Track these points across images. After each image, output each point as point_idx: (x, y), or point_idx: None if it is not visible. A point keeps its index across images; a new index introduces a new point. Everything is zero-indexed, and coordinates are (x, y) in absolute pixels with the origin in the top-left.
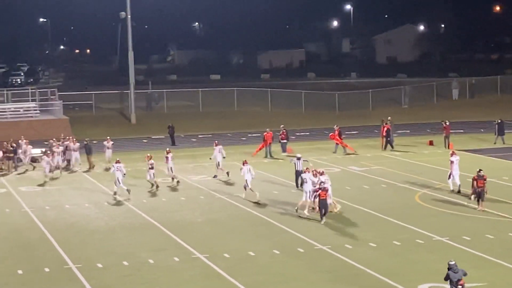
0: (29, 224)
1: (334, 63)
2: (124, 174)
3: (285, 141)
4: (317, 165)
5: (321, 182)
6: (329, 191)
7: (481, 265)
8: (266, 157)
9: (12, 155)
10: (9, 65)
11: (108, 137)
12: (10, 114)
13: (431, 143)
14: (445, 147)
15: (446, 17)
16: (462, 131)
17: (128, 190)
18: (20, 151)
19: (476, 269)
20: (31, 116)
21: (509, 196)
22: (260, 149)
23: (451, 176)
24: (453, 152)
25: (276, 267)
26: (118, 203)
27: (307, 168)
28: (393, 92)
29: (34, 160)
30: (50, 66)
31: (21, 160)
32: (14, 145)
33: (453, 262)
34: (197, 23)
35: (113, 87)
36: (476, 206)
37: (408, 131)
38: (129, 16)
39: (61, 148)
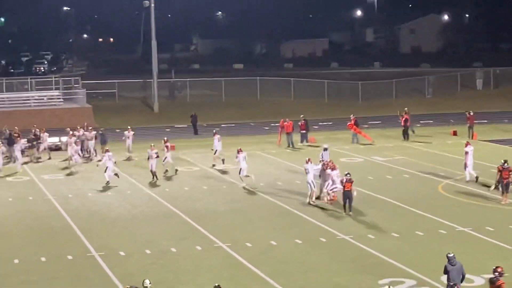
0: (52, 212)
1: (358, 53)
2: (115, 162)
3: (304, 131)
4: (340, 155)
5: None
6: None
7: (504, 256)
8: (288, 146)
9: (35, 143)
10: (33, 53)
11: (129, 127)
12: (34, 102)
13: (454, 133)
14: (469, 137)
15: (471, 7)
16: (486, 121)
17: (116, 174)
18: (24, 141)
19: (499, 260)
20: (55, 105)
21: None
22: (280, 137)
23: (466, 166)
24: (467, 142)
25: (298, 257)
26: (141, 191)
27: (309, 159)
28: (417, 82)
29: (56, 148)
30: (74, 55)
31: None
32: (38, 133)
33: (451, 255)
34: (220, 12)
35: (136, 76)
36: (499, 197)
37: (432, 121)
38: (152, 5)
39: (73, 138)
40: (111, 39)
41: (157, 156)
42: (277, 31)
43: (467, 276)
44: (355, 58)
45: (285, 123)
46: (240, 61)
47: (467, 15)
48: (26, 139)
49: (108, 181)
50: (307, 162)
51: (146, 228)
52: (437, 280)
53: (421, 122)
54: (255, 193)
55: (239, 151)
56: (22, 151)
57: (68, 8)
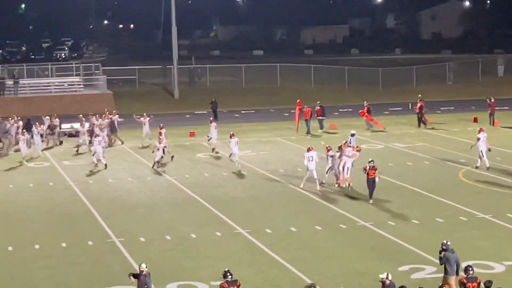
0: (72, 197)
1: (378, 39)
2: (103, 147)
3: (321, 117)
4: (360, 142)
5: (331, 156)
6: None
7: None
8: (307, 133)
9: (55, 129)
10: (54, 39)
11: (145, 113)
12: (55, 89)
13: (475, 120)
14: (490, 124)
15: None
16: (507, 108)
17: (99, 161)
18: (42, 126)
19: None
20: (75, 91)
21: None
22: (298, 124)
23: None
24: (480, 129)
25: (318, 243)
26: (161, 178)
27: (310, 147)
28: (438, 68)
29: (72, 135)
30: (94, 41)
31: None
32: (58, 119)
33: (449, 243)
34: None
35: (156, 62)
36: None
37: (453, 108)
38: None
39: (87, 125)
40: (131, 25)
41: (164, 149)
42: (298, 18)
43: (487, 263)
44: (376, 44)
45: (304, 109)
46: (260, 48)
47: (488, 1)
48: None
49: (96, 164)
50: (308, 151)
51: (166, 214)
52: None
53: (441, 108)
54: (275, 180)
55: (231, 136)
56: (41, 136)
57: None
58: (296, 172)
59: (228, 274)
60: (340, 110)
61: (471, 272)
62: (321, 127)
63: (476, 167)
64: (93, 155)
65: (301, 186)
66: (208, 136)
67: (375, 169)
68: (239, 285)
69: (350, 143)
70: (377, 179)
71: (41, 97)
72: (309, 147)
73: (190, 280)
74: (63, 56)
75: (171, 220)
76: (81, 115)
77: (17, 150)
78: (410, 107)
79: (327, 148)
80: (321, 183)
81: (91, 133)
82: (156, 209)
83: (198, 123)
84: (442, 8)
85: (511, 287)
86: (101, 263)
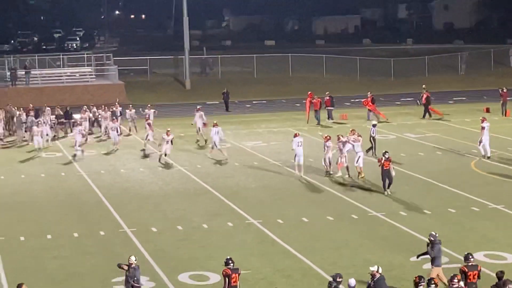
0: (84, 187)
1: (390, 29)
2: (83, 136)
3: (330, 107)
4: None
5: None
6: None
7: None
8: (318, 124)
9: (63, 120)
10: (65, 30)
11: (149, 105)
12: (66, 79)
13: (487, 110)
14: (502, 114)
15: None
16: None
17: (82, 151)
18: (42, 119)
19: None
20: (87, 81)
21: None
22: (308, 115)
23: (481, 142)
24: (484, 118)
25: (330, 234)
26: (172, 168)
27: (296, 133)
28: (450, 58)
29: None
30: (106, 31)
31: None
32: (68, 109)
33: (437, 235)
34: None
35: (168, 53)
36: None
37: (465, 98)
38: None
39: (87, 114)
40: (143, 16)
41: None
42: (309, 8)
43: (499, 253)
44: (388, 34)
45: (313, 100)
46: (271, 38)
47: None
48: (54, 116)
49: (75, 155)
50: (295, 136)
51: (178, 204)
52: None
53: (454, 99)
54: (286, 170)
55: (214, 125)
56: (51, 127)
57: None
58: (307, 163)
59: (230, 262)
60: (352, 100)
61: (471, 260)
62: (331, 117)
63: (488, 157)
64: (75, 145)
65: (297, 173)
66: (192, 124)
67: (390, 161)
68: (240, 273)
69: (373, 133)
70: (393, 173)
71: (53, 87)
72: (296, 133)
73: (201, 270)
74: (75, 47)
75: (182, 210)
76: (85, 106)
77: (25, 141)
78: (418, 104)
79: (326, 137)
80: (327, 172)
81: (92, 123)
82: (168, 200)
83: (210, 114)
84: None
85: None
86: (113, 253)
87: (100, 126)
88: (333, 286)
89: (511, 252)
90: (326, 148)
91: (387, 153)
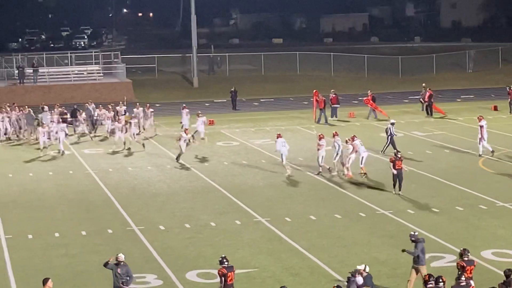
0: (92, 186)
1: (398, 27)
2: (67, 134)
3: (336, 105)
4: (380, 130)
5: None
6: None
7: None
8: (325, 122)
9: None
10: (73, 28)
11: (147, 104)
12: (74, 77)
13: (495, 108)
14: (510, 112)
15: None
16: None
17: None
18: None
19: None
20: (95, 79)
21: None
22: (315, 114)
23: (481, 141)
24: (481, 117)
25: (338, 231)
26: (181, 166)
27: (278, 134)
28: (458, 56)
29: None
30: (113, 29)
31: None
32: (75, 106)
33: (417, 233)
34: None
35: (175, 51)
36: None
37: (473, 96)
38: None
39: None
40: (151, 14)
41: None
42: (317, 6)
43: (507, 251)
44: (395, 32)
45: (318, 99)
46: (279, 36)
47: None
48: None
49: (63, 151)
50: (278, 137)
51: (186, 202)
52: (477, 256)
53: (462, 97)
54: (294, 168)
55: (198, 115)
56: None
57: None
58: (315, 160)
59: (225, 260)
60: (360, 98)
61: (468, 255)
62: (335, 115)
63: (479, 155)
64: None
65: (288, 173)
66: (181, 122)
67: (401, 160)
68: (234, 271)
69: (391, 132)
70: (406, 168)
71: (60, 85)
72: (278, 134)
73: (209, 268)
74: (83, 45)
75: (190, 208)
76: (87, 104)
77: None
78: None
79: (320, 136)
80: (329, 168)
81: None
82: (176, 198)
83: (218, 112)
84: None
85: None
86: (121, 251)
87: (94, 125)
88: (351, 281)
89: None
90: (319, 146)
91: (399, 153)
